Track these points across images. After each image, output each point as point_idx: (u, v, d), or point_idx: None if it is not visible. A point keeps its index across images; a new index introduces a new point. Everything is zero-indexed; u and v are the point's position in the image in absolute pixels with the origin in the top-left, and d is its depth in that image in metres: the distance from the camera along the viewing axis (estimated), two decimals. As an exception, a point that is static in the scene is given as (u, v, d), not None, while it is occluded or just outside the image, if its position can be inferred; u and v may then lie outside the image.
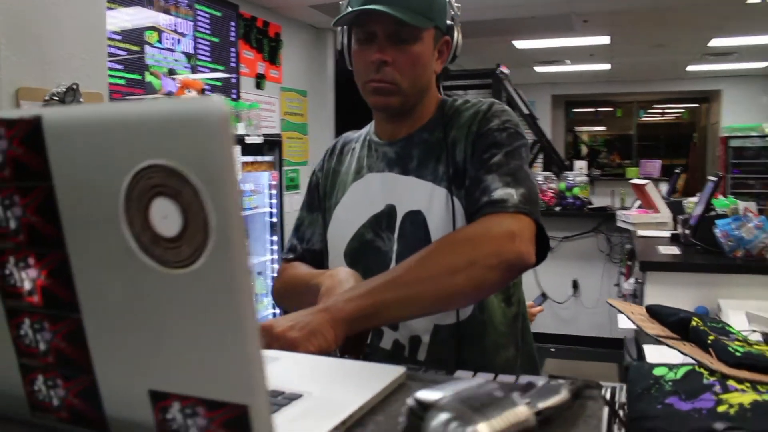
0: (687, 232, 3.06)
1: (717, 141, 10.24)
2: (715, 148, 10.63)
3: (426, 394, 0.59)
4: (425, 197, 1.34)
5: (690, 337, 1.54)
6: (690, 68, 9.60)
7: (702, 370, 1.35)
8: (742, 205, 3.19)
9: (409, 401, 0.60)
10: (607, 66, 9.58)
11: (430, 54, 1.34)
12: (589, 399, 0.80)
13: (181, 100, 0.50)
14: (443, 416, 0.56)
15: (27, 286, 0.62)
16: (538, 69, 9.86)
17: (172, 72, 4.14)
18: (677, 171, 5.21)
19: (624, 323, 2.24)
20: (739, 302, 2.49)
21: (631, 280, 4.28)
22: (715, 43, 7.58)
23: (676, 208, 3.85)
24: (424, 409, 0.58)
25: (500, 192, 1.21)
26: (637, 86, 11.13)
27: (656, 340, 1.74)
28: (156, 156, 0.51)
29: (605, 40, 7.43)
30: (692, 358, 1.42)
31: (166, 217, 0.52)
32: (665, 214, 3.85)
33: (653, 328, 1.68)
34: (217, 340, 0.54)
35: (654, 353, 2.51)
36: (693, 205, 3.71)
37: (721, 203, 3.26)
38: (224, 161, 0.49)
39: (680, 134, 12.73)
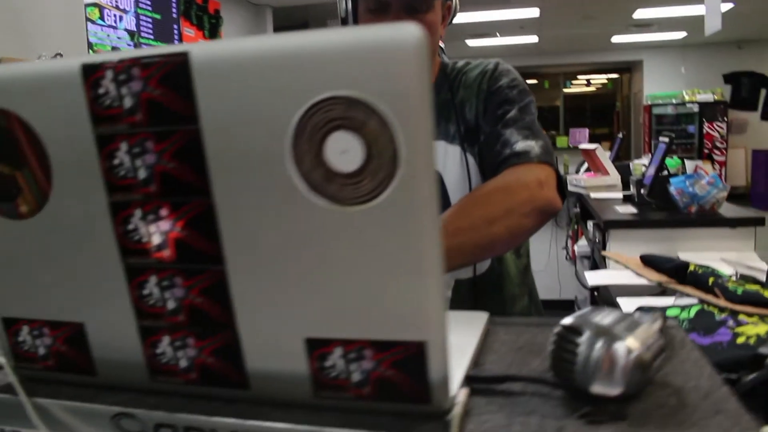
0: (642, 191, 3.22)
1: (640, 109, 10.79)
2: (638, 116, 11.20)
3: (571, 320, 0.60)
4: (440, 156, 1.35)
5: (688, 280, 1.64)
6: (615, 39, 10.02)
7: (712, 308, 1.45)
8: (691, 164, 3.39)
9: (557, 328, 0.61)
10: (535, 38, 9.84)
11: (440, 21, 1.34)
12: (669, 327, 0.83)
13: (369, 28, 0.48)
14: (592, 335, 0.58)
15: (156, 240, 0.57)
16: (470, 43, 9.99)
17: (115, 50, 3.90)
18: (620, 136, 5.45)
19: (594, 280, 2.34)
20: (697, 254, 2.66)
21: (583, 242, 4.47)
22: (639, 14, 7.93)
23: (624, 171, 4.04)
24: (572, 332, 0.59)
25: (521, 144, 1.24)
26: (564, 58, 11.51)
27: (629, 293, 1.82)
28: (336, 87, 0.49)
29: (535, 12, 7.62)
30: (699, 298, 1.52)
31: (345, 152, 0.50)
32: (614, 176, 4.04)
33: (651, 274, 1.77)
34: (395, 276, 0.52)
35: (629, 305, 2.64)
36: (640, 167, 3.90)
37: (670, 163, 3.46)
38: (419, 90, 0.47)
39: (604, 104, 13.31)
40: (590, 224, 3.91)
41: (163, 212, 0.56)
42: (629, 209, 3.28)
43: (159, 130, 0.54)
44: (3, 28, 3.03)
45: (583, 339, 0.58)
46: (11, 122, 0.58)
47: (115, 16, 3.95)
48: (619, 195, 3.76)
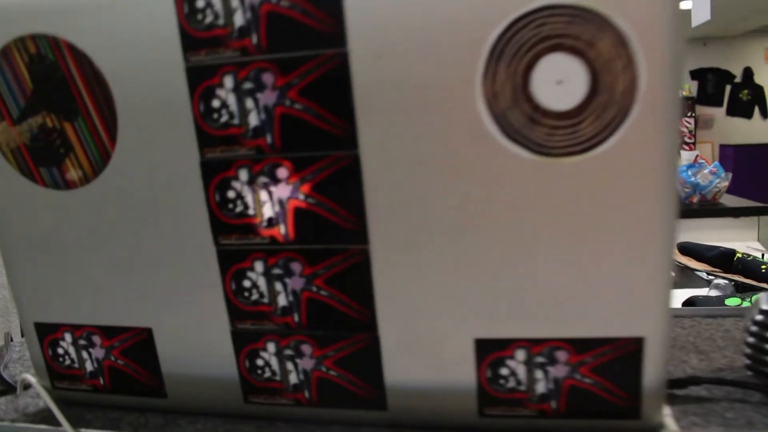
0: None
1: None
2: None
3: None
4: None
5: (736, 268, 1.57)
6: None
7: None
8: (691, 154, 3.37)
9: (757, 316, 0.49)
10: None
11: None
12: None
13: None
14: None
15: (268, 212, 0.42)
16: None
17: None
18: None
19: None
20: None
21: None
22: None
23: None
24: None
25: None
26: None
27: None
28: (557, -11, 0.35)
29: None
30: (755, 286, 1.45)
31: (561, 82, 0.36)
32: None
33: (692, 263, 1.70)
34: (613, 252, 0.39)
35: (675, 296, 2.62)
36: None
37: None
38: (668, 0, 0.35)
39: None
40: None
41: (282, 173, 0.41)
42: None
43: (284, 56, 0.39)
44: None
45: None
46: (61, 53, 0.42)
47: None
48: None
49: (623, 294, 0.40)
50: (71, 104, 0.43)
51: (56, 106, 0.43)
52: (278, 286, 0.44)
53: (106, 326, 0.48)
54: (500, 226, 0.40)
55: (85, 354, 0.50)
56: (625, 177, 0.37)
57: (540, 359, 0.42)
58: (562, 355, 0.42)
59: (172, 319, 0.47)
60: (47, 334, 0.50)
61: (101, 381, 0.50)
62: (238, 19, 0.39)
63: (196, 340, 0.47)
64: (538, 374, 0.42)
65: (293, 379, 0.46)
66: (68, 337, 0.49)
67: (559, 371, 0.42)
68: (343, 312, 0.43)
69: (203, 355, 0.47)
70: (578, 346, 0.41)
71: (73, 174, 0.45)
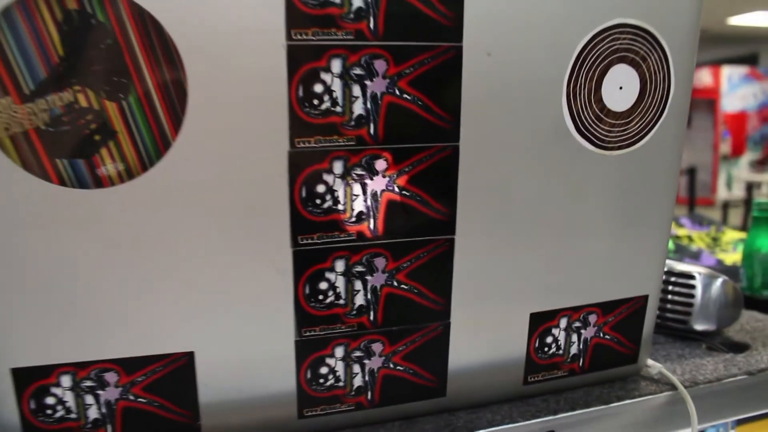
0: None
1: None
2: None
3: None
4: None
5: None
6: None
7: None
8: None
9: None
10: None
11: None
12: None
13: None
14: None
15: (359, 206, 0.40)
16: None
17: None
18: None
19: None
20: None
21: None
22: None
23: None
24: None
25: None
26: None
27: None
28: (627, 14, 0.43)
29: None
30: None
31: (621, 88, 0.44)
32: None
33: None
34: (635, 228, 0.48)
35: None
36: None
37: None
38: (695, 24, 0.45)
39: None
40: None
41: (380, 165, 0.40)
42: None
43: (399, 45, 0.38)
44: None
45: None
46: (116, 13, 0.33)
47: None
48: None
49: (638, 260, 0.49)
50: (121, 79, 0.34)
51: (97, 80, 0.34)
52: (357, 284, 0.42)
53: (127, 359, 0.39)
54: (562, 210, 0.45)
55: (89, 398, 0.39)
56: (653, 166, 0.47)
57: (578, 323, 0.49)
58: (593, 318, 0.49)
59: (220, 338, 0.40)
60: (31, 381, 0.37)
61: (108, 429, 0.40)
62: (356, 1, 0.37)
63: (248, 358, 0.41)
64: (573, 337, 0.49)
65: (357, 381, 0.44)
66: (66, 380, 0.38)
67: (589, 332, 0.50)
68: (420, 304, 0.44)
69: (255, 374, 0.42)
70: (604, 308, 0.49)
71: (109, 168, 0.35)
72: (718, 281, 0.62)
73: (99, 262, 0.37)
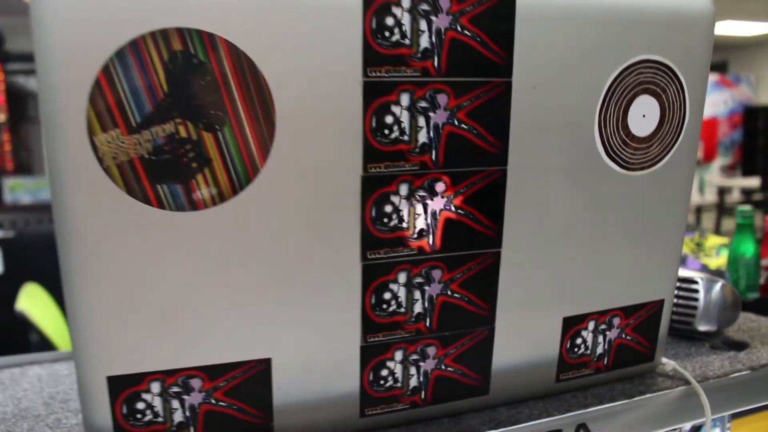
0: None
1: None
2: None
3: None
4: None
5: None
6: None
7: None
8: None
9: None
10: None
11: None
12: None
13: (678, -7, 0.49)
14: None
15: (420, 224, 0.44)
16: None
17: None
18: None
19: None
20: None
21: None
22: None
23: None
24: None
25: None
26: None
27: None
28: (650, 51, 0.48)
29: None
30: None
31: (644, 116, 0.49)
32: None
33: None
34: (654, 238, 0.54)
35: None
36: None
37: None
38: (707, 59, 0.51)
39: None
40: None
41: (440, 187, 0.44)
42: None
43: (460, 80, 0.43)
44: None
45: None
46: (216, 53, 0.37)
47: None
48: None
49: (656, 268, 0.55)
50: (218, 111, 0.38)
51: (196, 113, 0.37)
52: (417, 294, 0.46)
53: (211, 366, 0.42)
54: (592, 224, 0.50)
55: (175, 403, 0.42)
56: (670, 184, 0.52)
57: (603, 325, 0.54)
58: (616, 320, 0.54)
59: (294, 345, 0.44)
60: (124, 388, 0.40)
61: (190, 431, 0.43)
62: (424, 41, 0.41)
63: (320, 362, 0.45)
64: (599, 338, 0.54)
65: (413, 382, 0.48)
66: (155, 387, 0.41)
67: (613, 333, 0.55)
68: (470, 311, 0.48)
69: (323, 377, 0.45)
70: (627, 311, 0.55)
71: (203, 192, 0.39)
72: (718, 285, 0.68)
73: (190, 277, 0.40)
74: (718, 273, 1.18)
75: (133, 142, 0.37)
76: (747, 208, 1.12)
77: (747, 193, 5.72)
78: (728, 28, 6.94)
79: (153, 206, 0.38)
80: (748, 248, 1.11)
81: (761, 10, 6.25)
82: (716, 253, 1.21)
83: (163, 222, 0.38)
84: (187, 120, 0.37)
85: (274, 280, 0.42)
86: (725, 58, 8.27)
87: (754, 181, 5.71)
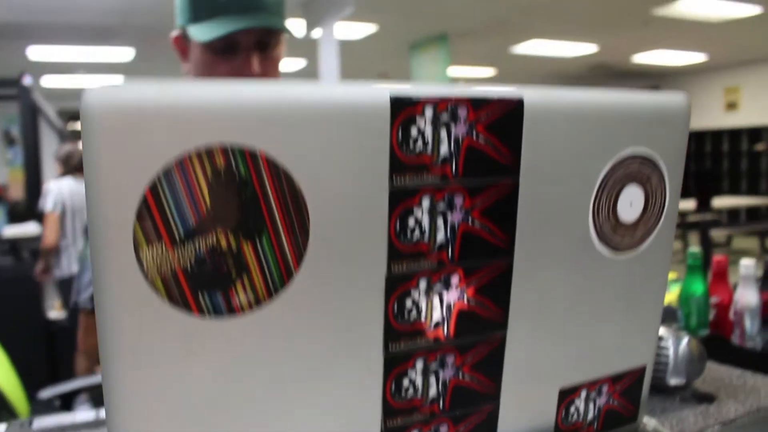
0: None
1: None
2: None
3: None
4: None
5: None
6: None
7: None
8: None
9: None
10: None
11: (283, 54, 1.30)
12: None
13: (650, 94, 0.54)
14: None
15: (436, 316, 0.47)
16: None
17: None
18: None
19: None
20: None
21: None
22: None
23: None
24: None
25: None
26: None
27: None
28: (637, 144, 0.53)
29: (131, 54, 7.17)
30: None
31: (631, 204, 0.54)
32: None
33: None
34: (637, 311, 0.58)
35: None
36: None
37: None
38: (683, 149, 0.56)
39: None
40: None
41: (455, 280, 0.47)
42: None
43: (474, 183, 0.46)
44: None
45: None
46: (256, 168, 0.39)
47: None
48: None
49: (639, 338, 0.59)
50: (257, 222, 0.40)
51: (236, 224, 0.39)
52: (431, 379, 0.49)
53: (241, 460, 0.43)
54: (584, 302, 0.55)
55: (206, 500, 0.43)
56: (650, 263, 0.57)
57: (594, 393, 0.58)
58: (605, 387, 0.59)
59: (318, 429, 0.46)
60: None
61: None
62: (443, 149, 0.44)
63: (342, 449, 0.47)
64: (590, 405, 0.58)
65: (426, 461, 0.51)
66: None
67: (602, 400, 0.59)
68: (476, 389, 0.51)
69: (344, 463, 0.47)
70: (615, 379, 0.59)
71: (241, 298, 0.40)
72: (685, 340, 0.74)
73: (227, 378, 0.41)
74: (669, 310, 1.26)
75: (176, 255, 0.38)
76: (696, 250, 1.21)
77: (682, 215, 6.04)
78: (661, 57, 7.39)
79: (194, 314, 0.39)
80: (698, 288, 1.20)
81: (689, 42, 6.69)
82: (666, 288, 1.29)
83: (202, 328, 0.40)
84: (228, 231, 0.39)
85: (303, 376, 0.44)
86: (656, 83, 8.75)
87: (689, 204, 6.03)
